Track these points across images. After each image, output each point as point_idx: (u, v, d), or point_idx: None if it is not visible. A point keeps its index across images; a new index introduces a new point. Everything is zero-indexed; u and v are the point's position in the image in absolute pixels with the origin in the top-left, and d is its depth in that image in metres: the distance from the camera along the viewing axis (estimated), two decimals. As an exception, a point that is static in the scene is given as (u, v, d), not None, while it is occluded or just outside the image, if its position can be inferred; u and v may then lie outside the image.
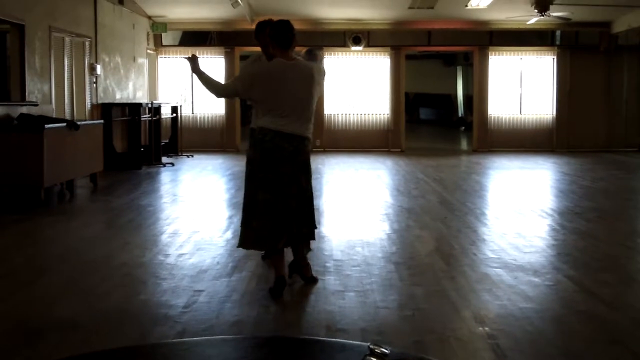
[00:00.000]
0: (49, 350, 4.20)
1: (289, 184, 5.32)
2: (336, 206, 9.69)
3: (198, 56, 5.65)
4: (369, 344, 1.97)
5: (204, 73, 5.52)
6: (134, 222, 8.52)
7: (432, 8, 16.22)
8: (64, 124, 10.15)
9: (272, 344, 2.53)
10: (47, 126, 9.46)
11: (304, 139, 5.38)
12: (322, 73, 5.66)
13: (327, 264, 6.25)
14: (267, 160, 5.29)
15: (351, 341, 3.25)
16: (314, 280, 5.65)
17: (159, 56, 18.56)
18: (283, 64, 5.32)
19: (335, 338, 4.25)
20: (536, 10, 15.53)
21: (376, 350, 1.95)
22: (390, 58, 18.81)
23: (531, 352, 4.29)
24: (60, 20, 12.08)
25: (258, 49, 6.01)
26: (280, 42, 5.36)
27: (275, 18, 5.58)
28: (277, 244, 5.36)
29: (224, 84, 5.64)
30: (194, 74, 5.57)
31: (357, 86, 18.88)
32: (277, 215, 5.31)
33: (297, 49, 5.86)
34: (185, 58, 5.63)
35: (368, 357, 1.93)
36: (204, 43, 19.20)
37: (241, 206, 6.10)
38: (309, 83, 5.40)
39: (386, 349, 1.96)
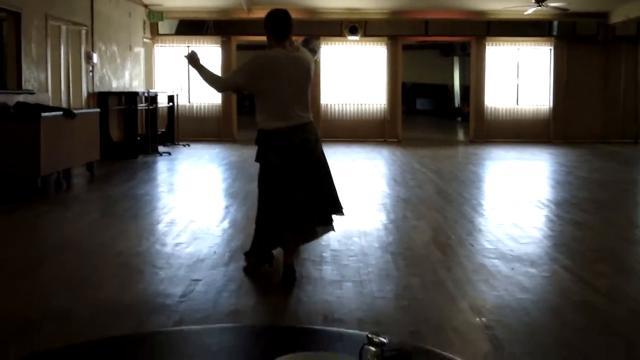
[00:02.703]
0: (44, 340, 4.19)
1: (303, 177, 5.36)
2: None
3: (195, 50, 5.63)
4: (367, 333, 1.98)
5: (204, 68, 5.51)
6: (130, 211, 8.51)
7: (430, -2, 16.20)
8: (61, 113, 10.12)
9: (271, 333, 2.53)
10: (43, 115, 9.43)
11: (306, 124, 5.38)
12: (313, 66, 5.67)
13: (324, 254, 6.25)
14: (288, 157, 5.29)
15: (348, 330, 3.26)
16: (292, 274, 5.38)
17: (155, 45, 18.50)
18: (282, 54, 5.31)
19: (333, 328, 4.25)
20: (534, 1, 15.53)
21: (374, 339, 1.95)
22: (387, 48, 18.77)
23: (528, 343, 4.30)
24: (56, 8, 12.03)
25: (254, 38, 5.98)
26: (277, 33, 5.35)
27: (276, 7, 5.56)
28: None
29: (224, 78, 5.62)
30: (194, 69, 5.56)
31: (353, 76, 18.85)
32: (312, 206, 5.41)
33: (294, 38, 5.83)
34: (185, 56, 5.61)
35: (366, 346, 1.93)
36: (201, 32, 19.12)
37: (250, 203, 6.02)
38: (307, 75, 5.42)
39: (384, 338, 1.96)
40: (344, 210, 5.69)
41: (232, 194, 9.73)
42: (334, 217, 5.63)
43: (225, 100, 18.35)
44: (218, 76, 5.68)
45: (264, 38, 5.55)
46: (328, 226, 5.60)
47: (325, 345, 2.26)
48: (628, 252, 6.83)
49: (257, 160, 5.49)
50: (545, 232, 7.59)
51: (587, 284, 5.49)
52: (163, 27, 18.78)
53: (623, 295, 5.31)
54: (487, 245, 6.70)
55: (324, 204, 5.50)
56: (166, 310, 4.75)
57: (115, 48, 15.05)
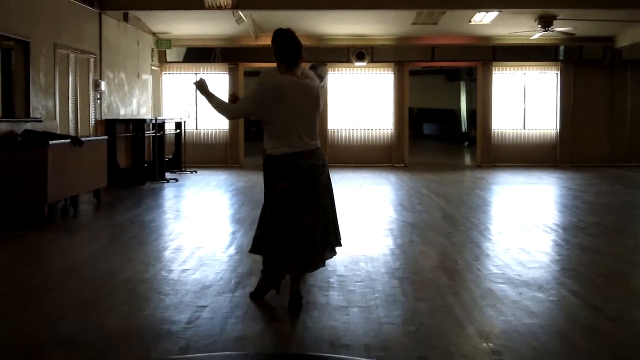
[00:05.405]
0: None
1: (310, 201, 5.36)
2: (340, 221, 9.65)
3: (204, 77, 5.65)
4: None
5: (214, 96, 5.52)
6: (137, 237, 8.51)
7: (436, 24, 16.27)
8: (68, 140, 10.17)
9: (276, 360, 2.52)
10: (51, 142, 9.49)
11: (313, 150, 5.40)
12: (322, 94, 5.67)
13: (331, 280, 6.23)
14: (295, 183, 5.30)
15: (355, 357, 3.25)
16: (299, 299, 5.40)
17: (163, 72, 18.61)
18: (291, 82, 5.33)
19: (339, 354, 4.22)
20: (540, 26, 15.58)
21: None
22: (394, 73, 18.85)
23: (536, 368, 4.27)
24: (64, 36, 12.13)
25: (262, 64, 6.01)
26: (287, 60, 5.36)
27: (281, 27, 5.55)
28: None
29: (234, 106, 5.62)
30: (203, 97, 5.58)
31: (360, 102, 18.93)
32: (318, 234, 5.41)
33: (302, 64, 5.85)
34: (193, 83, 5.62)
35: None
36: (208, 59, 19.25)
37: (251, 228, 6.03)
38: (315, 103, 5.43)
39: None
40: (341, 242, 5.71)
41: (239, 220, 9.74)
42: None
43: (232, 126, 18.42)
44: (228, 104, 5.68)
45: (271, 65, 5.57)
46: (332, 252, 5.60)
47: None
48: (636, 276, 6.80)
49: (272, 189, 5.46)
50: (553, 257, 7.56)
51: (595, 308, 5.46)
52: (171, 54, 18.92)
53: (631, 320, 5.28)
54: (495, 270, 6.67)
55: (329, 231, 5.50)
56: (172, 336, 4.74)
57: (123, 75, 15.15)
